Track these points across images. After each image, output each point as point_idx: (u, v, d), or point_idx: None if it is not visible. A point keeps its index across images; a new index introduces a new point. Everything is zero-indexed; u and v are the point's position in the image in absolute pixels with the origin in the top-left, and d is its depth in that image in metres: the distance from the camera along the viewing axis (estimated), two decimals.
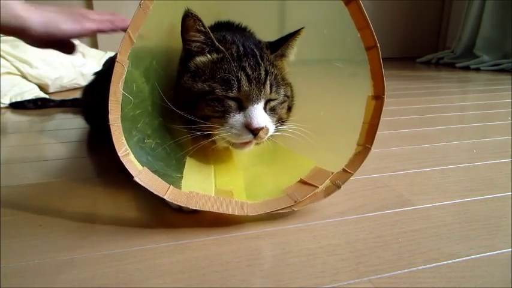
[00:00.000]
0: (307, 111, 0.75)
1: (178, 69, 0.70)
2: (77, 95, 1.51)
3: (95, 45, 2.74)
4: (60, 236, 0.59)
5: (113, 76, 0.53)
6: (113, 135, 0.54)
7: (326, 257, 0.53)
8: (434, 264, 0.51)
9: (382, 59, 0.61)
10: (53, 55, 1.97)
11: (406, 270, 0.50)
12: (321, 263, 0.52)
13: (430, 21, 3.60)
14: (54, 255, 0.54)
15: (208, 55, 0.66)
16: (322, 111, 0.75)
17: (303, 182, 0.66)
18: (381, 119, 0.63)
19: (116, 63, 0.52)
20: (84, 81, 1.96)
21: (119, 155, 0.54)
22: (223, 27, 0.76)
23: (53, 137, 1.18)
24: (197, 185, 0.63)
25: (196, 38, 0.65)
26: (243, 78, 0.63)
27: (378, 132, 0.63)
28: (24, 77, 1.84)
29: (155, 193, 0.57)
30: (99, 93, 1.00)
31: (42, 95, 1.75)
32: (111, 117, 0.54)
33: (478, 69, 2.81)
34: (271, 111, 0.68)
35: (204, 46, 0.65)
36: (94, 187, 0.78)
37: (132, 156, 0.56)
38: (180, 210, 0.65)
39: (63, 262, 0.52)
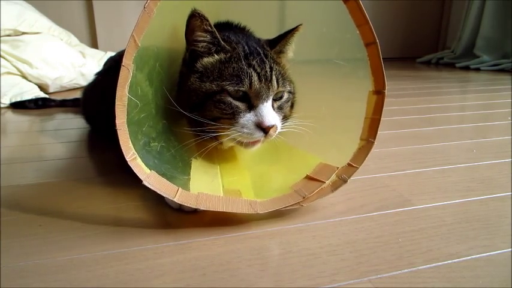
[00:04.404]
0: (308, 108, 0.75)
1: (181, 70, 0.70)
2: (77, 95, 1.51)
3: (95, 45, 2.74)
4: (60, 236, 0.59)
5: (119, 80, 0.53)
6: (120, 139, 0.54)
7: (326, 257, 0.53)
8: (434, 264, 0.51)
9: (382, 59, 0.61)
10: (53, 55, 1.97)
11: (406, 270, 0.50)
12: (321, 263, 0.52)
13: (430, 21, 3.60)
14: (54, 255, 0.54)
15: (215, 55, 0.66)
16: (324, 107, 0.75)
17: (309, 177, 0.67)
18: (381, 119, 0.63)
19: (122, 67, 0.52)
20: (84, 81, 1.97)
21: (127, 159, 0.54)
22: (223, 27, 0.76)
23: (53, 137, 1.18)
24: (205, 186, 0.64)
25: (203, 38, 0.65)
26: (254, 75, 0.64)
27: (378, 132, 0.63)
28: (24, 77, 1.84)
29: (165, 196, 0.57)
30: (100, 93, 1.00)
31: (42, 95, 1.75)
32: (118, 122, 0.53)
33: (478, 69, 2.81)
34: (278, 109, 0.69)
35: (211, 46, 0.66)
36: (94, 187, 0.78)
37: (139, 160, 0.57)
38: (180, 210, 0.65)
39: (63, 262, 0.52)
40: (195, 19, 0.62)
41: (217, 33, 0.64)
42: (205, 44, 0.65)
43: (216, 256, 0.54)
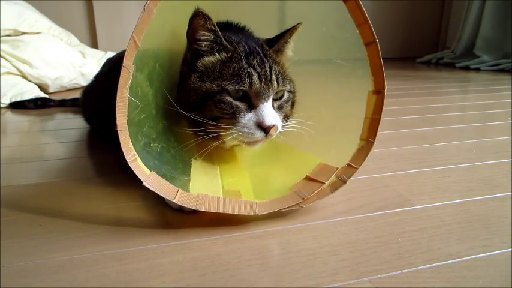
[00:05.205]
0: (308, 108, 0.75)
1: (181, 70, 0.70)
2: (77, 95, 1.51)
3: (95, 45, 2.74)
4: (60, 236, 0.59)
5: (119, 81, 0.53)
6: (120, 140, 0.54)
7: (326, 257, 0.53)
8: (434, 264, 0.51)
9: (382, 59, 0.61)
10: (53, 55, 1.97)
11: (406, 270, 0.50)
12: (321, 263, 0.52)
13: (430, 21, 3.60)
14: (54, 255, 0.54)
15: (217, 54, 0.66)
16: (323, 107, 0.75)
17: (309, 178, 0.67)
18: (381, 119, 0.63)
19: (122, 68, 0.52)
20: (84, 81, 1.97)
21: (127, 160, 0.54)
22: (223, 27, 0.76)
23: (53, 137, 1.18)
24: (205, 187, 0.64)
25: (206, 37, 0.65)
26: (254, 75, 0.64)
27: (378, 132, 0.63)
28: (24, 77, 1.84)
29: (165, 197, 0.57)
30: (99, 94, 1.00)
31: (42, 95, 1.75)
32: (118, 122, 0.53)
33: (478, 69, 2.81)
34: (279, 108, 0.69)
35: (214, 45, 0.66)
36: (94, 187, 0.78)
37: (140, 161, 0.57)
38: (180, 210, 0.65)
39: (63, 262, 0.52)
40: (198, 18, 0.62)
41: (219, 32, 0.65)
42: (208, 43, 0.65)
43: (216, 256, 0.54)
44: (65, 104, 1.60)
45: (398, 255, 0.54)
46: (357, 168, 0.64)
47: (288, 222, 0.63)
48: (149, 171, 0.57)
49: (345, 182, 0.64)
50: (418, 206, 0.68)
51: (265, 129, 0.64)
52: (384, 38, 3.21)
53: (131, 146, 0.55)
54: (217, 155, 0.74)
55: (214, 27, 0.64)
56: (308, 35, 0.72)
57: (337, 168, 0.65)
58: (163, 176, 0.59)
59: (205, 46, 0.66)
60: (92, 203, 0.70)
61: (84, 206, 0.69)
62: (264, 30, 0.78)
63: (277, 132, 0.66)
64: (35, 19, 2.07)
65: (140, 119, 0.61)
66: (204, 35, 0.65)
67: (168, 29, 0.70)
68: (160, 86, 0.68)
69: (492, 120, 1.33)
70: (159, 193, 0.56)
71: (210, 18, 0.62)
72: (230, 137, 0.66)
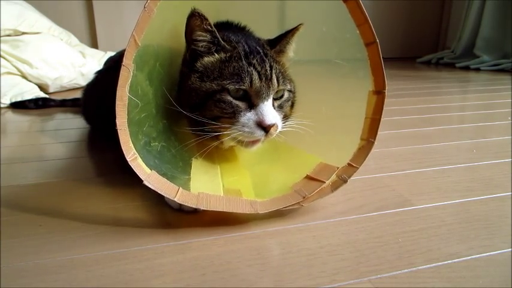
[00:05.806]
0: (308, 108, 0.75)
1: (181, 70, 0.70)
2: (77, 95, 1.51)
3: (95, 45, 2.74)
4: (60, 236, 0.59)
5: (119, 80, 0.53)
6: (120, 139, 0.54)
7: (326, 257, 0.53)
8: (434, 264, 0.51)
9: (382, 59, 0.61)
10: (53, 55, 1.97)
11: (406, 270, 0.50)
12: (321, 263, 0.52)
13: (430, 21, 3.60)
14: (54, 255, 0.54)
15: (216, 54, 0.66)
16: (324, 107, 0.75)
17: (309, 177, 0.67)
18: (381, 119, 0.63)
19: (122, 67, 0.52)
20: (84, 81, 1.97)
21: (127, 159, 0.54)
22: (223, 26, 0.76)
23: (53, 137, 1.18)
24: (205, 186, 0.64)
25: (203, 38, 0.65)
26: (254, 74, 0.64)
27: (378, 132, 0.63)
28: (24, 77, 1.84)
29: (165, 196, 0.57)
30: (100, 93, 1.00)
31: (42, 95, 1.75)
32: (118, 121, 0.53)
33: (478, 69, 2.81)
34: (279, 108, 0.69)
35: (211, 45, 0.66)
36: (94, 187, 0.78)
37: (140, 160, 0.57)
38: (180, 210, 0.65)
39: (63, 262, 0.52)
40: (194, 19, 0.62)
41: (217, 33, 0.64)
42: (205, 43, 0.65)
43: (216, 256, 0.54)
44: (65, 104, 1.60)
45: (398, 255, 0.54)
46: (357, 168, 0.64)
47: (288, 222, 0.63)
48: (149, 170, 0.57)
49: (345, 181, 0.64)
50: (418, 206, 0.68)
51: (265, 128, 0.64)
52: (384, 38, 3.20)
53: (131, 145, 0.55)
54: (217, 154, 0.74)
55: (211, 27, 0.63)
56: (308, 35, 0.72)
57: (338, 168, 0.65)
58: (163, 175, 0.59)
59: (202, 47, 0.65)
60: (91, 203, 0.70)
61: (84, 206, 0.69)
62: (264, 30, 0.78)
63: (277, 131, 0.66)
64: (35, 19, 2.07)
65: (140, 118, 0.61)
66: (201, 36, 0.64)
67: (168, 28, 0.70)
68: (160, 85, 0.68)
69: (492, 120, 1.33)
70: (159, 192, 0.56)
71: (206, 19, 0.62)
72: (229, 137, 0.66)
